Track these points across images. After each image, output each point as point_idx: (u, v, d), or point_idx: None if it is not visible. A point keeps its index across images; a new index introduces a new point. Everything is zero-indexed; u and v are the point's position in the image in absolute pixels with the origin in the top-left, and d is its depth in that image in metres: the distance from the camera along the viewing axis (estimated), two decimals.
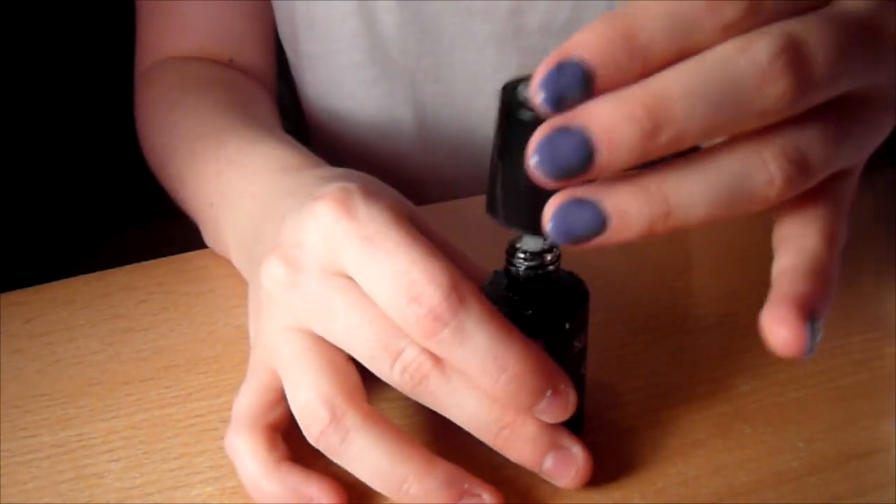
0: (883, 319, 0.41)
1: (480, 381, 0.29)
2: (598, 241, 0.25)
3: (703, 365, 0.38)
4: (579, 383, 0.33)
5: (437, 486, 0.30)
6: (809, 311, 0.26)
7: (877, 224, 0.48)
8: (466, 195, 0.63)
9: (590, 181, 0.25)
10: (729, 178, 0.25)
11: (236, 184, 0.43)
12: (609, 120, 0.24)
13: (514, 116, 0.26)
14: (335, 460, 0.31)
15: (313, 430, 0.30)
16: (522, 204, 0.27)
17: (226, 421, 0.36)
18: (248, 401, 0.33)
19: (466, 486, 0.30)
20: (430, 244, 0.30)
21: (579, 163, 0.24)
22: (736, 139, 0.25)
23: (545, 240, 0.28)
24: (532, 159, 0.25)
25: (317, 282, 0.31)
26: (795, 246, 0.27)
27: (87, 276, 0.47)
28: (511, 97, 0.26)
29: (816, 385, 0.37)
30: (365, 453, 0.30)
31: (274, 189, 0.40)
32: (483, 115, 0.61)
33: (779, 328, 0.26)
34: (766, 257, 0.47)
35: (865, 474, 0.32)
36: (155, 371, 0.39)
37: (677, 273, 0.46)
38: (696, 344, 0.39)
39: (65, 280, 0.46)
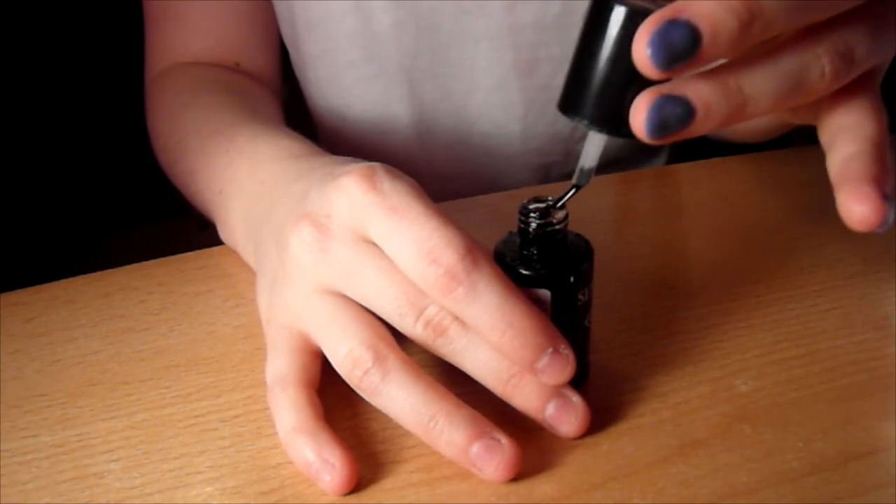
0: (883, 319, 0.41)
1: (489, 335, 0.32)
2: (684, 132, 0.28)
3: (703, 365, 0.38)
4: (584, 335, 0.36)
5: (461, 424, 0.32)
6: (884, 188, 0.28)
7: None
8: (464, 190, 0.63)
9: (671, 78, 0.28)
10: (790, 72, 0.29)
11: (245, 170, 0.45)
12: (713, 11, 0.27)
13: (612, 13, 0.28)
14: (372, 400, 0.33)
15: (357, 372, 0.33)
16: (606, 103, 0.29)
17: (226, 421, 0.36)
18: (284, 362, 0.35)
19: (487, 429, 0.33)
20: (447, 215, 0.33)
21: (688, 50, 0.27)
22: (794, 39, 0.29)
23: (624, 136, 0.29)
24: (646, 50, 0.27)
25: (347, 248, 0.34)
26: (856, 135, 0.30)
27: (87, 276, 0.47)
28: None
29: (816, 385, 0.37)
30: (401, 392, 0.33)
31: (283, 174, 0.41)
32: (479, 110, 0.62)
33: (859, 205, 0.28)
34: (767, 259, 0.47)
35: (865, 474, 0.32)
36: (155, 371, 0.39)
37: (677, 273, 0.46)
38: (696, 344, 0.39)
39: (65, 280, 0.46)
